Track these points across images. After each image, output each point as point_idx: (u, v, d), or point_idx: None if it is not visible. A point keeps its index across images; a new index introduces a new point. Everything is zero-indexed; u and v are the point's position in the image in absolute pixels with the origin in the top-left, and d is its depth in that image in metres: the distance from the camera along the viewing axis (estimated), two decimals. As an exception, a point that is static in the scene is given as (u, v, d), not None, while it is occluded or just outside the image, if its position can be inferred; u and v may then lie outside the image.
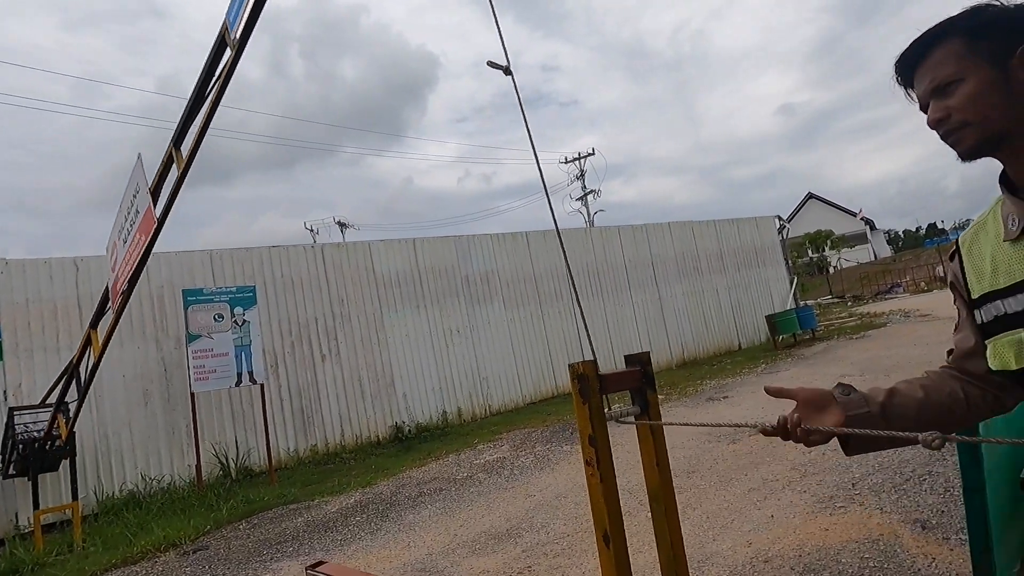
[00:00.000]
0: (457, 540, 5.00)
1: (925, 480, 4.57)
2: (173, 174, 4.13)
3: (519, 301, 12.22)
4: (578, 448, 6.36)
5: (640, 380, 1.86)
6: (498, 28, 1.83)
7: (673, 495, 1.87)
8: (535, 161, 2.06)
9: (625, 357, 1.90)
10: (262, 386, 8.62)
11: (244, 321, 8.51)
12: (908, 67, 1.17)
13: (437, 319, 11.06)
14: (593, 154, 35.34)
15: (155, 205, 4.25)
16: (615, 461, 1.84)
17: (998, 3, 1.10)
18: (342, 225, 39.97)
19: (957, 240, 1.32)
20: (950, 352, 1.32)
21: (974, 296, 1.23)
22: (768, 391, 1.31)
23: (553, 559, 4.33)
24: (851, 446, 1.28)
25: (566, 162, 35.60)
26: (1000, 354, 1.17)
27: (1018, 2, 1.09)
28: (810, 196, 55.43)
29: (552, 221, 2.14)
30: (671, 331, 15.20)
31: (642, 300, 14.85)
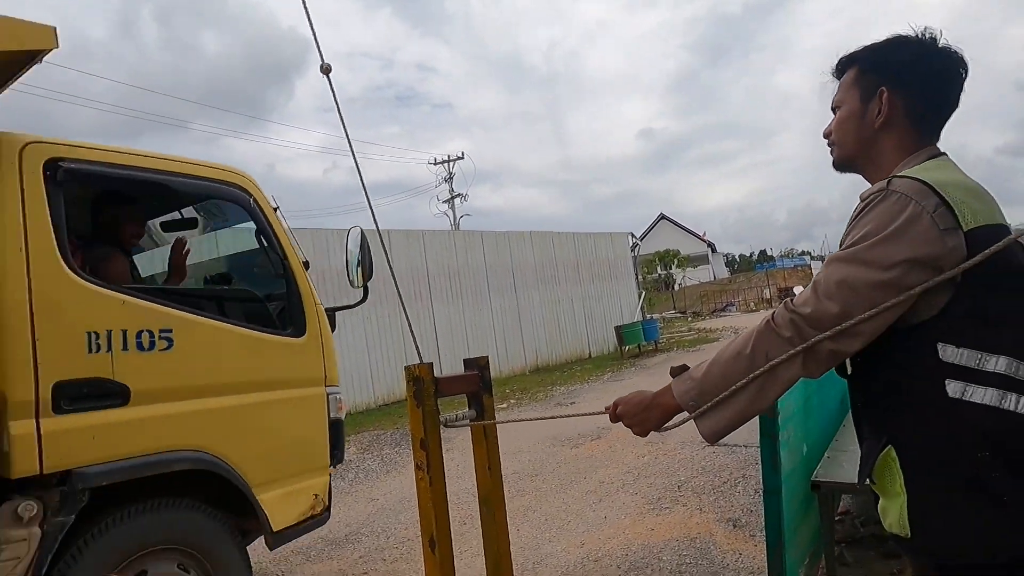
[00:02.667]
0: (291, 546, 4.75)
1: (740, 482, 5.02)
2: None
3: (376, 300, 11.94)
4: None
5: (477, 384, 1.87)
6: (310, 22, 1.77)
7: (502, 498, 1.89)
8: (355, 163, 2.00)
9: (464, 361, 1.90)
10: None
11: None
12: (838, 74, 1.37)
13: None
14: (463, 158, 35.51)
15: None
16: (464, 465, 1.84)
17: (911, 39, 1.25)
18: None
19: None
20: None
21: None
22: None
23: (391, 564, 4.25)
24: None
25: (435, 164, 35.49)
26: None
27: (931, 44, 1.23)
28: (662, 217, 59.44)
29: (373, 220, 2.08)
30: (527, 337, 15.59)
31: (500, 305, 15.10)
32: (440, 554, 1.67)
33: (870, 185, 1.29)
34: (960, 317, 1.07)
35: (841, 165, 1.35)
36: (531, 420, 3.38)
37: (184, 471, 2.63)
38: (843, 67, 1.33)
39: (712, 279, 51.51)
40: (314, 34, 1.87)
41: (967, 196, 1.11)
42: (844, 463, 2.97)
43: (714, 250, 60.09)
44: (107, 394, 2.47)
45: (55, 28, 2.45)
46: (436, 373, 1.76)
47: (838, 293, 1.10)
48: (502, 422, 1.79)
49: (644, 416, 1.31)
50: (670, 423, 1.31)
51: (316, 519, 3.20)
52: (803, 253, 55.07)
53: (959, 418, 1.06)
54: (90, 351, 2.41)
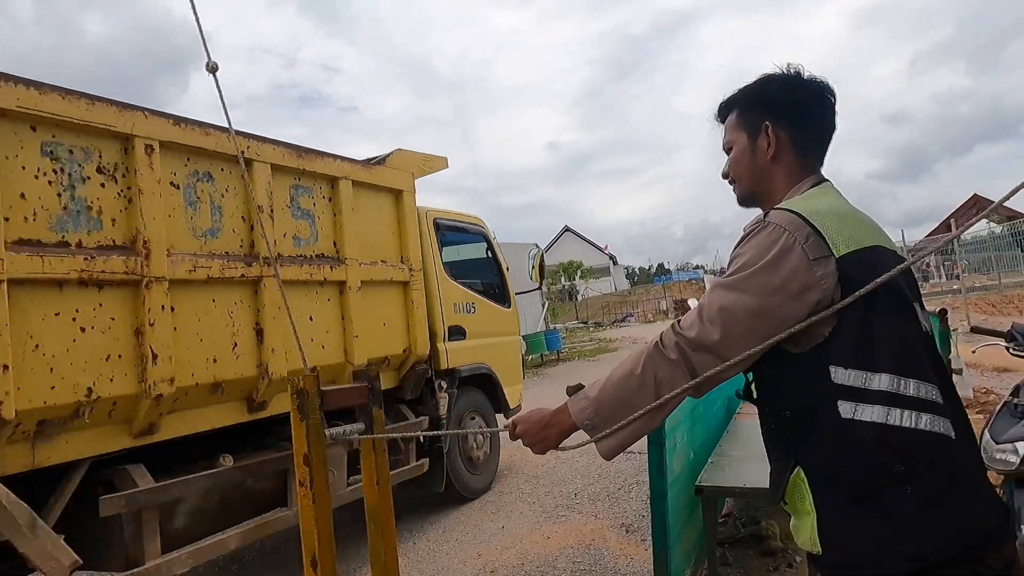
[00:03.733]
0: None
1: (633, 488, 5.17)
2: None
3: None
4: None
5: (366, 396, 1.82)
6: (195, 12, 1.68)
7: (391, 514, 1.84)
8: (241, 165, 1.92)
9: (353, 373, 1.84)
10: None
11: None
12: (721, 119, 1.45)
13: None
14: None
15: None
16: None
17: (781, 75, 1.33)
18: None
19: None
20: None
21: None
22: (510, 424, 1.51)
23: (279, 585, 4.06)
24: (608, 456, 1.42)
25: (340, 168, 34.57)
26: None
27: (799, 77, 1.32)
28: (566, 229, 60.73)
29: (261, 224, 2.01)
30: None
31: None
32: (322, 573, 1.61)
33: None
34: (846, 340, 1.13)
35: (744, 200, 1.42)
36: (426, 435, 3.31)
37: (482, 374, 5.52)
38: (725, 111, 1.42)
39: (614, 290, 53.13)
40: (200, 27, 1.76)
41: (841, 223, 1.17)
42: (727, 468, 3.12)
43: (615, 262, 62.04)
44: (460, 333, 5.27)
45: (447, 158, 5.23)
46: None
47: (719, 319, 1.16)
48: (393, 436, 1.75)
49: (544, 435, 1.34)
50: (569, 444, 1.34)
51: (519, 408, 5.97)
52: (698, 267, 57.89)
53: (851, 437, 1.11)
54: (455, 312, 5.28)
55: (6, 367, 2.41)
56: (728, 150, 1.41)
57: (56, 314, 2.63)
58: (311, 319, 3.70)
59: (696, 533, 3.24)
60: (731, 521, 4.07)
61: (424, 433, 4.04)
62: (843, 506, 1.13)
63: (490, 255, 6.09)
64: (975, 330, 3.22)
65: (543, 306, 20.66)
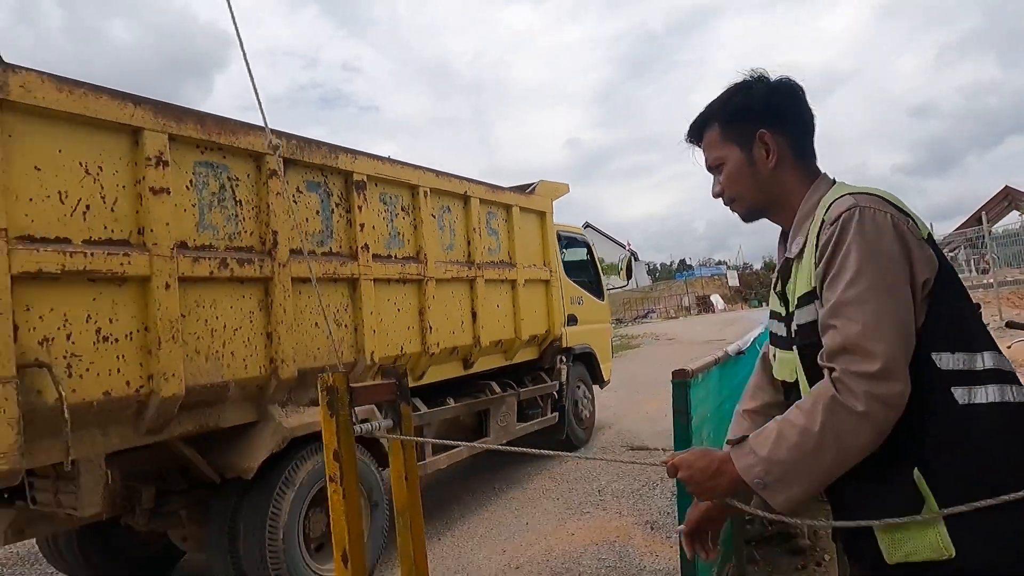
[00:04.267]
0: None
1: (658, 486, 5.15)
2: None
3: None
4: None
5: (394, 393, 1.83)
6: (242, 50, 1.71)
7: (419, 510, 1.86)
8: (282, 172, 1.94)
9: (381, 370, 1.86)
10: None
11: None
12: (695, 139, 1.38)
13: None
14: (389, 162, 35.00)
15: None
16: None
17: (754, 81, 1.29)
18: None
19: None
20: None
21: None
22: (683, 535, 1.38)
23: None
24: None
25: (361, 167, 34.81)
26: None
27: (771, 80, 1.29)
28: (587, 225, 60.48)
29: (295, 225, 2.03)
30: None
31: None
32: (353, 568, 1.62)
33: (780, 226, 1.33)
34: (941, 324, 1.09)
35: (750, 216, 1.35)
36: (470, 446, 3.29)
37: (587, 352, 6.91)
38: (699, 129, 1.35)
39: (635, 287, 52.85)
40: (248, 70, 1.78)
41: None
42: (754, 465, 3.08)
43: (637, 259, 61.68)
44: (573, 320, 6.59)
45: (568, 184, 6.54)
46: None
47: (890, 333, 1.05)
48: (428, 440, 1.77)
49: (712, 484, 1.19)
50: (746, 508, 1.23)
51: (608, 382, 7.65)
52: (720, 262, 57.25)
53: (974, 423, 1.05)
54: (571, 304, 6.57)
55: (374, 331, 3.88)
56: (715, 168, 1.34)
57: (388, 300, 4.11)
58: (498, 307, 5.29)
59: (723, 531, 3.22)
60: (759, 519, 4.03)
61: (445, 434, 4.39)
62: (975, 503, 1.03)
63: (589, 258, 7.66)
64: (1010, 325, 3.15)
65: (564, 303, 20.56)
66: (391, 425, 1.82)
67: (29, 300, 2.47)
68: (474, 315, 4.94)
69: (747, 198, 1.32)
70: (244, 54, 1.91)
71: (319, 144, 3.74)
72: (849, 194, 1.15)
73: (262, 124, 2.18)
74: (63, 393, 2.45)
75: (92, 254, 2.64)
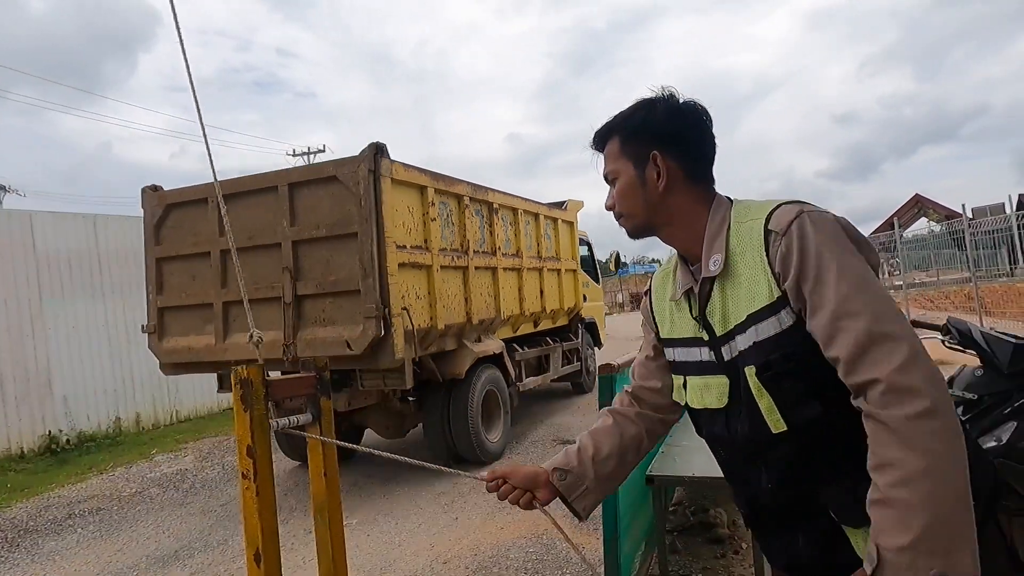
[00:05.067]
0: (109, 569, 4.30)
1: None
2: None
3: (224, 297, 11.22)
4: (279, 457, 5.97)
5: (314, 387, 1.77)
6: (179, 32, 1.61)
7: (339, 506, 1.81)
8: (204, 142, 1.85)
9: (300, 363, 1.80)
10: None
11: None
12: (598, 147, 1.36)
13: (118, 310, 9.52)
14: (324, 151, 34.21)
15: None
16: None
17: (660, 100, 1.28)
18: (0, 188, 32.50)
19: (652, 278, 1.52)
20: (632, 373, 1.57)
21: (661, 335, 1.43)
22: (487, 479, 1.47)
23: (226, 580, 3.97)
24: (583, 516, 1.48)
25: (294, 155, 33.90)
26: (676, 390, 1.39)
27: (678, 101, 1.28)
28: (525, 221, 60.76)
29: (220, 212, 1.95)
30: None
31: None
32: (266, 569, 1.56)
33: (669, 245, 1.33)
34: None
35: (636, 233, 1.34)
36: (369, 453, 3.27)
37: (592, 322, 9.77)
38: (603, 138, 1.34)
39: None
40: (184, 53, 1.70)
41: None
42: (677, 457, 3.17)
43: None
44: (584, 298, 9.20)
45: (583, 200, 9.36)
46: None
47: (900, 323, 1.02)
48: (343, 444, 1.72)
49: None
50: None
51: (603, 345, 10.15)
52: (653, 260, 58.68)
53: None
54: (583, 287, 9.06)
55: (503, 299, 6.39)
56: (610, 180, 1.34)
57: (506, 281, 6.57)
58: (552, 287, 7.82)
59: (646, 522, 3.29)
60: (680, 509, 4.14)
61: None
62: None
63: (590, 254, 10.21)
64: (915, 323, 3.33)
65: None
66: (310, 420, 1.76)
67: (400, 277, 4.90)
68: (541, 292, 7.53)
69: (636, 216, 1.31)
70: (189, 74, 1.82)
71: (478, 186, 6.24)
72: (786, 203, 1.15)
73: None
74: (413, 324, 4.95)
75: (413, 253, 5.16)
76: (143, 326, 5.67)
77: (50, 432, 8.48)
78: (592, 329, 9.78)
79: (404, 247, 5.02)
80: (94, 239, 9.34)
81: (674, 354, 1.38)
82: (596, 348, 9.90)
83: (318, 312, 4.93)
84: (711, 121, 1.29)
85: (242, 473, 1.58)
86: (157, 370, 8.67)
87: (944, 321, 2.90)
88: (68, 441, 8.52)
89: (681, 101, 1.27)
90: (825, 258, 1.06)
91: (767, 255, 1.13)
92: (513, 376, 6.66)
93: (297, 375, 1.75)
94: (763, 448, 1.19)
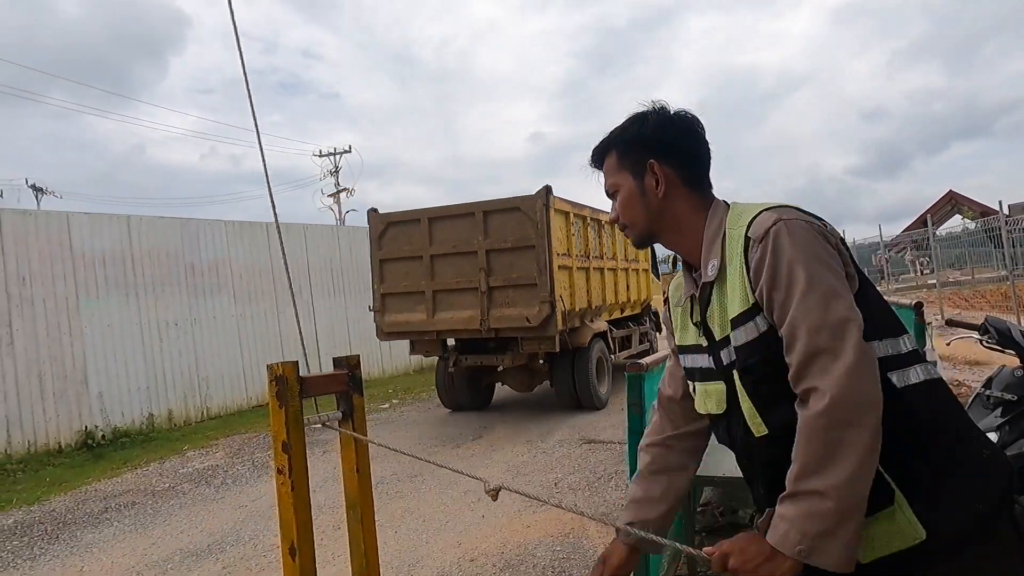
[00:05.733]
0: (144, 561, 4.40)
1: (612, 479, 5.20)
2: None
3: (252, 296, 11.33)
4: (307, 453, 6.05)
5: (347, 384, 1.80)
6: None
7: (371, 503, 1.83)
8: (259, 150, 1.89)
9: (333, 359, 1.82)
10: None
11: None
12: (597, 164, 1.40)
13: (151, 309, 9.72)
14: (350, 151, 34.58)
15: None
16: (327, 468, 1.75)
17: (651, 113, 1.32)
18: (37, 190, 33.39)
19: (668, 285, 1.56)
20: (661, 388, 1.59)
21: (676, 343, 1.46)
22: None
23: (257, 574, 4.04)
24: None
25: (321, 156, 34.29)
26: (696, 396, 1.40)
27: (668, 112, 1.31)
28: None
29: (273, 213, 1.99)
30: (412, 336, 15.43)
31: (386, 304, 14.84)
32: (301, 563, 1.59)
33: (673, 251, 1.37)
34: (869, 314, 1.10)
35: (642, 242, 1.39)
36: (397, 451, 3.30)
37: (655, 312, 11.74)
38: (601, 155, 1.38)
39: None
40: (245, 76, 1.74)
41: None
42: (706, 457, 3.13)
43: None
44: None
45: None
46: (313, 372, 1.71)
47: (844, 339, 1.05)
48: (373, 442, 1.74)
49: (766, 572, 1.07)
50: None
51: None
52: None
53: (914, 402, 1.09)
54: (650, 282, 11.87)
55: (610, 291, 9.21)
56: (612, 194, 1.37)
57: (609, 279, 9.16)
58: (633, 283, 10.20)
59: (675, 522, 3.27)
60: (709, 510, 4.11)
61: (380, 443, 4.26)
62: (934, 479, 1.06)
63: (651, 253, 11.38)
64: (950, 323, 3.27)
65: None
66: (341, 417, 1.78)
67: (558, 275, 7.24)
68: (627, 286, 9.82)
69: (639, 225, 1.35)
70: (250, 99, 1.86)
71: (594, 209, 8.50)
72: (767, 210, 1.17)
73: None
74: (564, 307, 7.36)
75: (563, 258, 7.50)
76: (369, 306, 8.37)
77: (86, 428, 8.70)
78: (656, 317, 12.09)
79: (559, 254, 7.31)
80: (127, 239, 9.55)
81: (685, 360, 1.41)
82: (658, 332, 11.82)
83: (504, 298, 7.38)
84: (703, 129, 1.33)
85: (277, 468, 1.61)
86: (187, 368, 8.90)
87: (982, 320, 2.83)
88: (103, 436, 8.73)
89: (672, 111, 1.32)
90: (796, 269, 1.09)
91: (746, 261, 1.16)
92: (611, 349, 9.04)
93: (332, 373, 1.77)
94: (754, 451, 1.24)
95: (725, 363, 1.24)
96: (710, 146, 1.34)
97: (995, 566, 0.96)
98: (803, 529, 1.02)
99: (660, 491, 1.50)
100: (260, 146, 1.90)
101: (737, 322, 1.18)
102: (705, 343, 1.30)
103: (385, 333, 8.20)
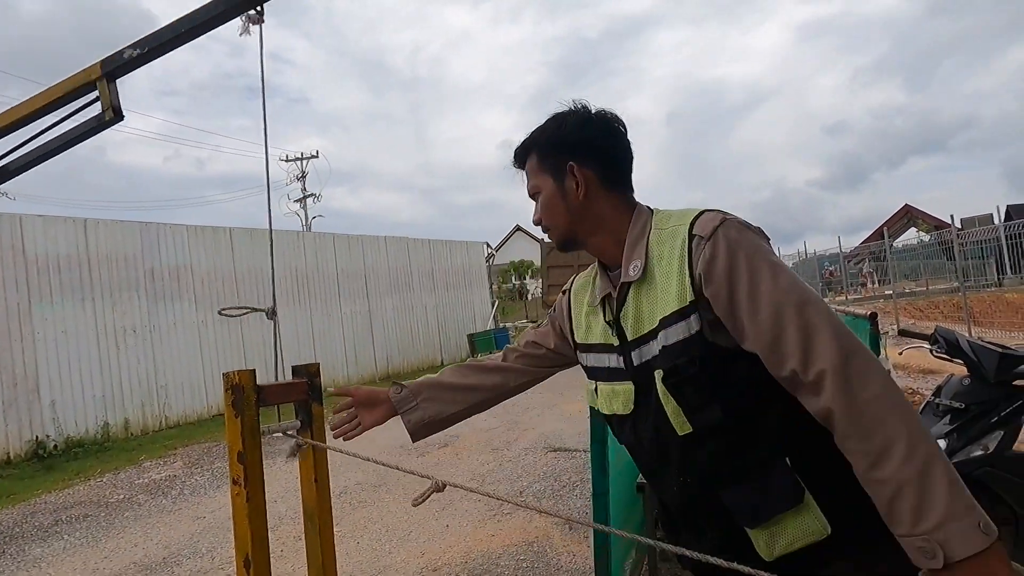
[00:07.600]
0: (96, 575, 4.26)
1: (577, 486, 5.22)
2: None
3: (214, 302, 11.13)
4: (268, 463, 5.95)
5: (306, 392, 1.77)
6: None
7: (329, 513, 1.80)
8: (265, 155, 1.86)
9: (292, 368, 1.79)
10: None
11: None
12: (519, 165, 1.38)
13: (108, 315, 9.47)
14: (317, 157, 34.23)
15: None
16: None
17: (570, 113, 1.30)
18: (-10, 191, 32.22)
19: (572, 280, 1.53)
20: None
21: (577, 340, 1.44)
22: (335, 392, 1.63)
23: (214, 587, 3.94)
24: (413, 434, 1.65)
25: (287, 160, 33.87)
26: (589, 394, 1.40)
27: (589, 112, 1.30)
28: (517, 228, 60.89)
29: (268, 220, 1.98)
30: (378, 343, 15.27)
31: (351, 311, 14.67)
32: (256, 575, 1.56)
33: (593, 254, 1.35)
34: None
35: (564, 244, 1.35)
36: (370, 460, 3.27)
37: None
38: (523, 155, 1.36)
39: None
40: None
41: None
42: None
43: (566, 262, 62.42)
44: None
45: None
46: (274, 379, 1.69)
47: (837, 324, 1.06)
48: (331, 448, 1.72)
49: None
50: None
51: None
52: (645, 268, 58.65)
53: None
54: None
55: None
56: (534, 195, 1.36)
57: None
58: None
59: (636, 529, 3.29)
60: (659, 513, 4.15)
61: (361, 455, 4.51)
62: (840, 476, 1.06)
63: None
64: (902, 333, 3.37)
65: (492, 305, 20.68)
66: (299, 426, 1.76)
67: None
68: None
69: (560, 227, 1.32)
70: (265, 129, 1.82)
71: None
72: (708, 211, 1.18)
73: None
74: None
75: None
76: (541, 295, 10.42)
77: (37, 438, 8.41)
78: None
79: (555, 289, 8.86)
80: (84, 243, 9.30)
81: (587, 359, 1.39)
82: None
83: None
84: (625, 128, 1.31)
85: (232, 479, 1.58)
86: (146, 376, 8.74)
87: (932, 330, 2.93)
88: (55, 447, 8.45)
89: (593, 111, 1.30)
90: (756, 261, 1.10)
91: (689, 260, 1.14)
92: None
93: (290, 381, 1.75)
94: (668, 450, 1.21)
95: (636, 363, 1.22)
96: (632, 145, 1.31)
97: (899, 559, 0.99)
98: (952, 509, 0.92)
99: (451, 382, 1.63)
100: (267, 163, 1.87)
101: (668, 321, 1.15)
102: (616, 343, 1.27)
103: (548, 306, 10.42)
